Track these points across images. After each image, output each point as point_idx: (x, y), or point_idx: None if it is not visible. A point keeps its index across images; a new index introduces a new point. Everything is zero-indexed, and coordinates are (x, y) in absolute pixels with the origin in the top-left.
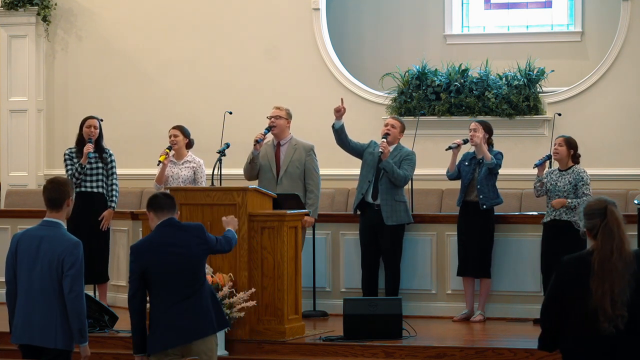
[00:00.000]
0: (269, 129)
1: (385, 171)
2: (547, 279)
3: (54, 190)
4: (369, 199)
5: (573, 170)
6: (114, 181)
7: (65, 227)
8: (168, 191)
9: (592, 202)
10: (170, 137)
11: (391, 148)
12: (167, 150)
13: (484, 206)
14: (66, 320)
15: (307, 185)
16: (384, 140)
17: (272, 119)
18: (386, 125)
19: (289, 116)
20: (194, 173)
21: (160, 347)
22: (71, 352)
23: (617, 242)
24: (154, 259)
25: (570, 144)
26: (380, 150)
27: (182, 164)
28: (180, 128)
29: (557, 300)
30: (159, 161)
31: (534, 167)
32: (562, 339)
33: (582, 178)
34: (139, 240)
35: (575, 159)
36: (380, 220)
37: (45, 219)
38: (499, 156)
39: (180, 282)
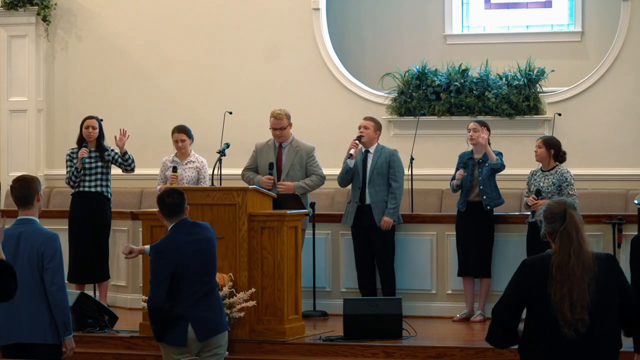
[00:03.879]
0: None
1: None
2: None
3: (21, 188)
4: (358, 202)
5: (557, 171)
6: (124, 155)
7: (40, 223)
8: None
9: (552, 205)
10: (177, 141)
11: (372, 149)
12: (175, 175)
13: (488, 207)
14: (52, 314)
15: None
16: (357, 141)
17: (278, 132)
18: (359, 127)
19: (289, 119)
20: (198, 173)
21: (181, 342)
22: (61, 346)
23: (575, 246)
24: (181, 257)
25: (549, 144)
26: (350, 152)
27: (186, 164)
28: (185, 130)
29: (514, 300)
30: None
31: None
32: (522, 340)
33: (566, 179)
34: (162, 241)
35: (559, 157)
36: (372, 221)
37: (18, 217)
38: (499, 157)
39: (203, 279)
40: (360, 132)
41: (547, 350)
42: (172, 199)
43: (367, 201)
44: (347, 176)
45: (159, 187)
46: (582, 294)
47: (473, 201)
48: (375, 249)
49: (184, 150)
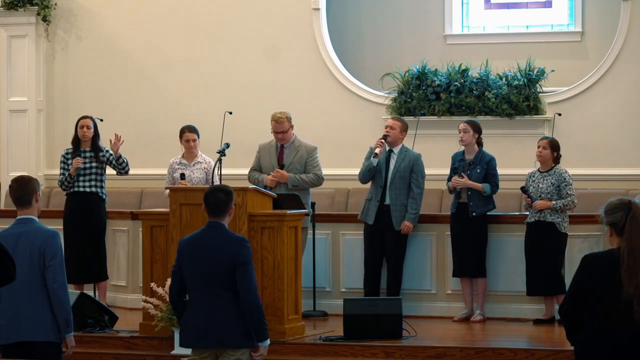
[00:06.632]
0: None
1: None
2: (530, 280)
3: (18, 188)
4: (379, 201)
5: (555, 172)
6: (119, 159)
7: (39, 222)
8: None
9: (614, 201)
10: (188, 141)
11: (396, 150)
12: (184, 182)
13: (473, 213)
14: (53, 311)
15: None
16: (383, 140)
17: (280, 135)
18: (386, 127)
19: (290, 121)
20: (206, 174)
21: (186, 345)
22: (61, 344)
23: None
24: (191, 257)
25: (554, 146)
26: (375, 151)
27: (194, 165)
28: (195, 130)
29: (582, 297)
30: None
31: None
32: (582, 339)
33: (565, 179)
34: (187, 236)
35: (557, 159)
36: (388, 220)
37: (18, 217)
38: (492, 163)
39: (210, 286)
40: (387, 131)
41: (612, 338)
42: (213, 198)
43: (387, 201)
44: (369, 174)
45: (167, 191)
46: None
47: (464, 202)
48: (387, 249)
49: (194, 150)
